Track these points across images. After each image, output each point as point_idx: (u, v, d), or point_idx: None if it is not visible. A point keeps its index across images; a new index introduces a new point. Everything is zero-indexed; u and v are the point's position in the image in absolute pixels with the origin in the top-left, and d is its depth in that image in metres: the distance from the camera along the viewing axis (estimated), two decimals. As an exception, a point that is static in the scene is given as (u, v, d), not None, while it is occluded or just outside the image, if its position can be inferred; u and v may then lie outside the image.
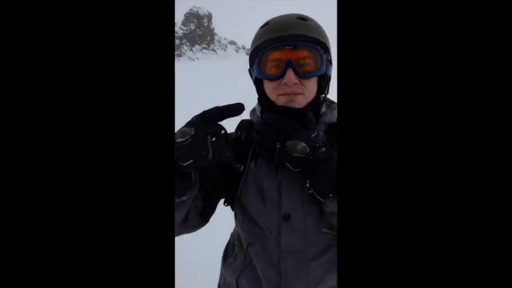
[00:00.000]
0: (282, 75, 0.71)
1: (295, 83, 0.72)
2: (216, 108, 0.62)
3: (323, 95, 0.80)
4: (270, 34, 0.72)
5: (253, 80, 0.82)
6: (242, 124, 0.85)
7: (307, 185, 0.71)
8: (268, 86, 0.77)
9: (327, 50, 0.76)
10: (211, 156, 0.60)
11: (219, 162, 0.62)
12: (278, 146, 0.69)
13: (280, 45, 0.71)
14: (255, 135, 0.73)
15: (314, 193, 0.70)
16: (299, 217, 0.75)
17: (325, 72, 0.75)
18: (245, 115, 0.89)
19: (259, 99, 0.84)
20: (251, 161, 0.81)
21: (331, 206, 0.69)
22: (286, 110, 0.75)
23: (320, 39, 0.74)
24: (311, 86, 0.75)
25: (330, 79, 0.80)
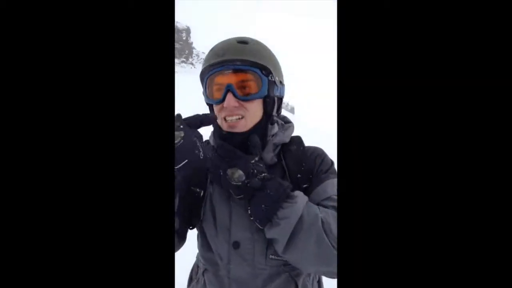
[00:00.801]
0: (223, 99, 0.74)
1: (235, 106, 0.74)
2: (195, 116, 0.66)
3: (271, 115, 0.81)
4: (211, 59, 0.75)
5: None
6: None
7: (248, 211, 0.72)
8: (215, 109, 0.79)
9: (269, 71, 0.76)
10: (202, 155, 0.64)
11: (207, 162, 0.67)
12: (221, 173, 0.72)
13: (219, 70, 0.74)
14: (208, 160, 0.74)
15: (254, 221, 0.72)
16: (248, 245, 0.76)
17: (268, 94, 0.77)
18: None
19: None
20: (209, 185, 0.82)
21: (270, 233, 0.71)
22: (230, 135, 0.77)
23: (259, 62, 0.75)
24: (254, 108, 0.76)
25: (280, 100, 0.82)
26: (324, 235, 0.66)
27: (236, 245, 0.76)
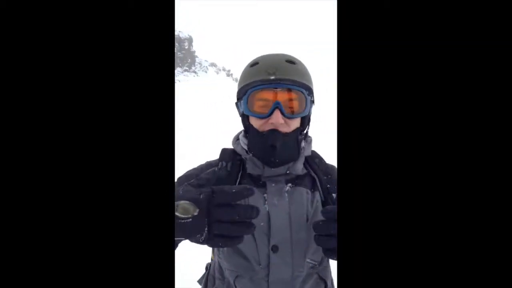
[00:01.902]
0: (269, 115, 0.76)
1: (281, 123, 0.76)
2: (226, 193, 0.60)
3: (305, 132, 0.86)
4: (261, 75, 0.78)
5: (239, 113, 0.86)
6: (225, 154, 0.88)
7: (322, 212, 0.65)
8: (255, 123, 0.80)
9: (311, 92, 0.81)
10: (202, 240, 0.59)
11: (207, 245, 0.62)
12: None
13: (270, 87, 0.76)
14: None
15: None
16: (287, 248, 0.76)
17: (308, 113, 0.82)
18: (225, 144, 0.96)
19: (245, 131, 0.87)
20: None
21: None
22: (271, 133, 0.79)
23: (306, 83, 0.79)
24: (294, 125, 0.80)
25: (310, 118, 0.86)
26: None
27: (275, 248, 0.76)
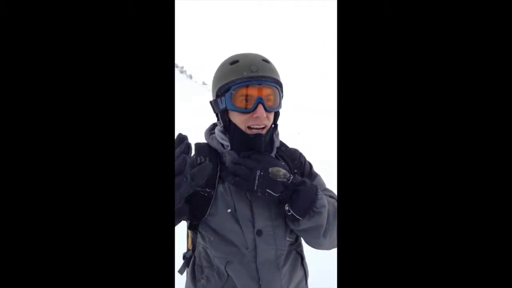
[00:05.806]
0: (254, 109, 0.84)
1: (264, 117, 0.84)
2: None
3: (274, 125, 0.95)
4: (244, 72, 0.85)
5: (218, 110, 0.91)
6: (201, 149, 0.94)
7: (286, 207, 0.81)
8: (238, 117, 0.87)
9: (282, 88, 0.91)
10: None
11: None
12: (261, 173, 0.81)
13: (253, 83, 0.84)
14: (233, 166, 0.85)
15: (294, 214, 0.80)
16: (269, 231, 0.86)
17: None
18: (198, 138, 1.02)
19: (224, 127, 0.92)
20: (218, 184, 0.88)
21: (310, 222, 0.80)
22: (256, 137, 0.87)
23: (279, 80, 0.90)
24: (272, 118, 0.89)
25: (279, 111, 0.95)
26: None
27: (259, 232, 0.85)
